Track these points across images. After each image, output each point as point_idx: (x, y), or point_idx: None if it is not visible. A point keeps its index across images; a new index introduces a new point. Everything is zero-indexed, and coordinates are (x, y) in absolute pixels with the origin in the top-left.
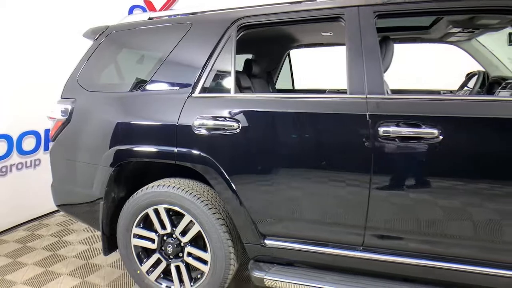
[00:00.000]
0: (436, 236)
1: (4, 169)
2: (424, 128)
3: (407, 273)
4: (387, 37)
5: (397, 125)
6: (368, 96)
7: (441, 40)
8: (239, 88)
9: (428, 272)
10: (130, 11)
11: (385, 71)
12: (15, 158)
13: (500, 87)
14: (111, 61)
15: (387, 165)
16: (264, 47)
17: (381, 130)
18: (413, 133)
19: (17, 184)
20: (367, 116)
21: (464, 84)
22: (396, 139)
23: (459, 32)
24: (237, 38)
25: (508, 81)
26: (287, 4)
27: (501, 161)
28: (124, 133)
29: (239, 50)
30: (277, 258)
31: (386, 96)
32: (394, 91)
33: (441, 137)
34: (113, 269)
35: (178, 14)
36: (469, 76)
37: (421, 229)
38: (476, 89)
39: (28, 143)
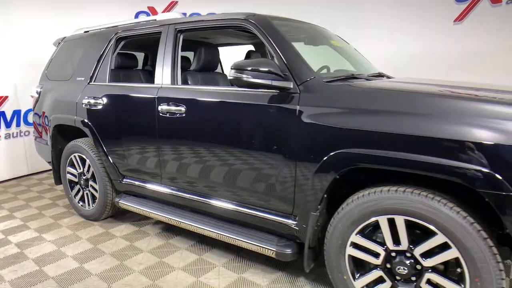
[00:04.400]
0: (194, 179)
1: (27, 133)
2: (179, 106)
3: (189, 204)
4: (203, 43)
5: (168, 104)
6: (162, 85)
7: None
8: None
9: (202, 205)
10: (136, 15)
11: (200, 66)
12: None
13: None
14: (63, 60)
15: (163, 131)
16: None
17: (159, 108)
18: (173, 110)
19: None
20: (155, 99)
21: None
22: (167, 113)
23: None
24: (121, 45)
25: None
26: (134, 24)
27: (221, 128)
28: (58, 106)
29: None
30: (134, 192)
31: (170, 86)
32: None
33: (185, 113)
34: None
35: (97, 29)
36: None
37: (186, 174)
38: None
39: None
